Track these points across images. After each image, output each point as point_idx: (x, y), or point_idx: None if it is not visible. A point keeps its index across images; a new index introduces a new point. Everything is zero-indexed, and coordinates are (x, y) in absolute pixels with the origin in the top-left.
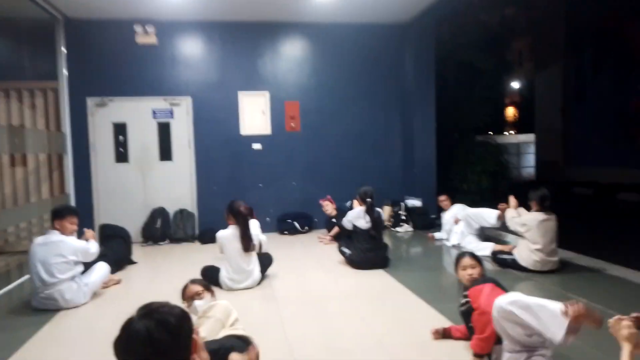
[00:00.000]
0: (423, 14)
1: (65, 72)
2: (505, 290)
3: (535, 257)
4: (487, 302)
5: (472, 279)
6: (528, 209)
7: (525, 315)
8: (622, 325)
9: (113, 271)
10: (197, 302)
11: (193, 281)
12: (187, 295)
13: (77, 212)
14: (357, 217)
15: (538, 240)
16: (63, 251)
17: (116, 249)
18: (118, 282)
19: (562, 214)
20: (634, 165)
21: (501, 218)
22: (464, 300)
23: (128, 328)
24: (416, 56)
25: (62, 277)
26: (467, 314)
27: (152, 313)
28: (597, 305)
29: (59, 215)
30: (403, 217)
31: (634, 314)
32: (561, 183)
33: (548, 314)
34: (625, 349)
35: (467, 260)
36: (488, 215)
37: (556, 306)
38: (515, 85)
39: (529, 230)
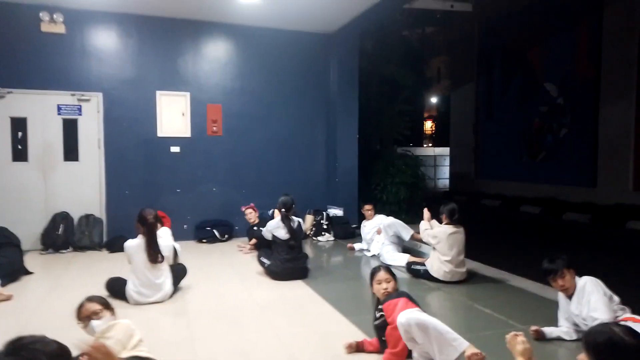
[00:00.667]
0: (348, 25)
1: None
2: (417, 304)
3: (445, 268)
4: None
5: (387, 293)
6: (439, 219)
7: (419, 335)
8: (517, 341)
9: (4, 283)
10: (94, 322)
11: (90, 299)
12: (83, 315)
13: None
14: (276, 227)
15: (447, 252)
16: None
17: (11, 258)
18: (8, 297)
19: (471, 224)
20: (535, 180)
21: (415, 239)
22: (378, 314)
23: None
24: (340, 66)
25: None
26: (381, 327)
27: (21, 349)
28: (500, 316)
29: None
30: (324, 227)
31: (533, 328)
32: (472, 195)
33: (443, 341)
34: None
35: (382, 275)
36: (404, 232)
37: (456, 339)
38: (434, 100)
39: (439, 242)
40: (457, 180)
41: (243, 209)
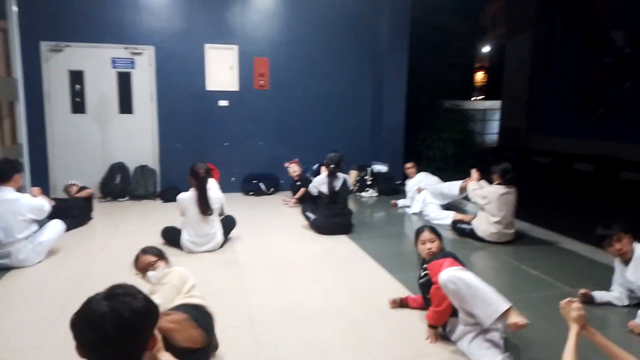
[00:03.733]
0: None
1: (15, 10)
2: (463, 264)
3: (492, 229)
4: None
5: (431, 252)
6: (489, 178)
7: (460, 292)
8: (571, 308)
9: (74, 227)
10: (150, 273)
11: (144, 251)
12: (140, 267)
13: (20, 169)
14: (322, 183)
15: (497, 213)
16: (21, 209)
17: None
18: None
19: (521, 182)
20: (590, 136)
21: (464, 190)
22: (423, 273)
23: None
24: (391, 17)
25: (19, 237)
26: (425, 286)
27: (112, 298)
28: (548, 278)
29: (5, 176)
30: (369, 182)
31: (582, 290)
32: (522, 151)
33: (483, 300)
34: (573, 330)
35: (426, 235)
36: (450, 188)
37: (496, 299)
38: (487, 50)
39: (489, 203)
40: (507, 135)
41: (286, 165)
